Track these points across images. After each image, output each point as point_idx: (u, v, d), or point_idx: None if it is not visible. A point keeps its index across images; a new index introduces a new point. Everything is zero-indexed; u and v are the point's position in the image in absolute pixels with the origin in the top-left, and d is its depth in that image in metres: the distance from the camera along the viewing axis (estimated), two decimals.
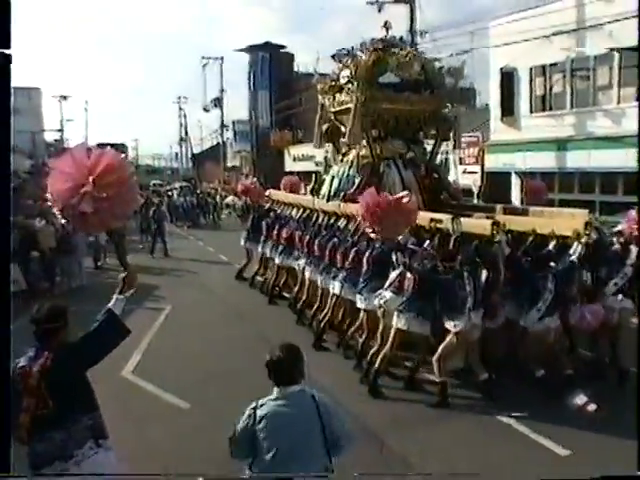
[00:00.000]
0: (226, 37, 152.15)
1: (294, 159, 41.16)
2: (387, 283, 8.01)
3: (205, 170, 56.89)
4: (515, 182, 21.79)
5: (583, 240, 7.70)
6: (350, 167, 12.08)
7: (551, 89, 19.89)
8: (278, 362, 3.64)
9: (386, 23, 12.51)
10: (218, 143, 54.93)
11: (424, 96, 11.90)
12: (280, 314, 12.28)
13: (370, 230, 8.30)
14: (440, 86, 11.92)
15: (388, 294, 7.95)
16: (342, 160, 12.66)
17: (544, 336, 7.76)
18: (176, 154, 74.21)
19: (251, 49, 46.07)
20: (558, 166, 19.32)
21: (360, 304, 8.67)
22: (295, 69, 45.89)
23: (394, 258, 8.02)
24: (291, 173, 41.67)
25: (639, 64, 12.45)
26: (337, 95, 12.47)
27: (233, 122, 52.25)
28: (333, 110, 12.77)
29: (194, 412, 7.46)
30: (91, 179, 3.69)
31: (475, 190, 21.85)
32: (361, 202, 8.34)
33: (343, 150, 12.87)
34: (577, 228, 7.80)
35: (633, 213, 8.77)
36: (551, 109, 19.98)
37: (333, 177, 12.46)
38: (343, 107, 12.19)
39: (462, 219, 8.29)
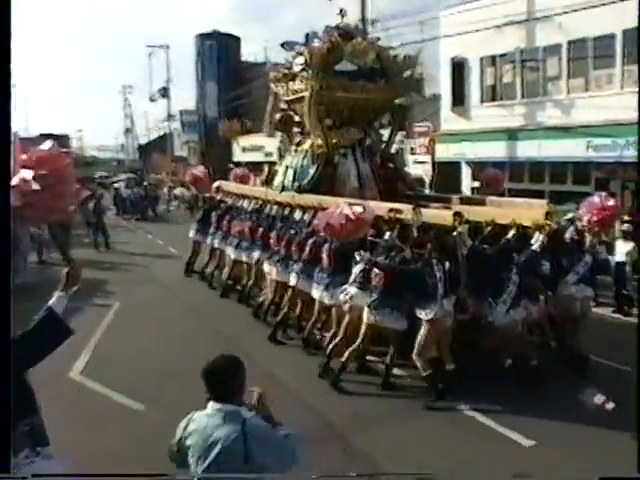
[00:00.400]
0: (173, 25, 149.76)
1: (243, 150, 40.61)
2: (351, 278, 7.84)
3: (152, 161, 55.89)
4: (465, 172, 21.92)
5: (544, 230, 7.65)
6: (304, 157, 11.86)
7: (501, 79, 19.98)
8: (213, 375, 3.24)
9: (341, 10, 12.30)
10: (165, 134, 53.93)
11: (379, 85, 11.77)
12: (234, 308, 11.98)
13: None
14: (395, 75, 11.79)
15: (353, 289, 7.80)
16: (296, 150, 12.42)
17: (512, 328, 7.68)
18: (122, 145, 72.82)
19: (199, 38, 45.21)
20: (508, 156, 19.42)
21: (326, 300, 8.48)
22: (244, 58, 45.32)
23: (356, 256, 7.85)
24: (240, 164, 41.29)
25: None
26: (290, 83, 12.20)
27: (180, 112, 51.39)
28: (286, 99, 12.49)
29: (149, 413, 7.12)
30: (20, 173, 3.46)
31: (427, 180, 21.89)
32: (319, 220, 8.25)
33: (297, 140, 12.63)
34: (537, 218, 7.76)
35: (594, 200, 8.77)
36: (501, 99, 20.06)
37: (287, 167, 12.22)
38: (297, 96, 11.93)
39: (422, 209, 8.16)
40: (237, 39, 45.59)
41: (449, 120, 22.04)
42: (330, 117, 11.77)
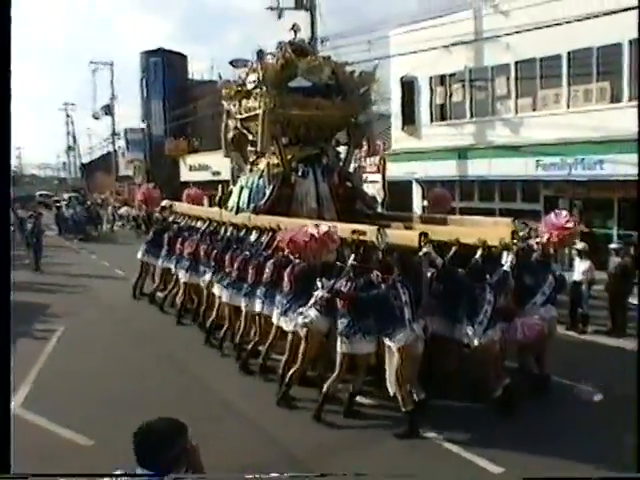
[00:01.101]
0: (118, 43, 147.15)
1: (190, 168, 40.04)
2: (312, 301, 7.52)
3: (96, 180, 54.63)
4: (416, 191, 21.98)
5: (512, 249, 7.51)
6: (260, 177, 11.52)
7: (451, 98, 20.14)
8: (141, 440, 2.70)
9: (294, 26, 12.09)
10: (109, 152, 52.86)
11: (336, 102, 11.54)
12: (187, 332, 11.51)
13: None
14: (352, 91, 11.60)
15: (313, 312, 7.47)
16: (251, 170, 12.08)
17: (489, 349, 7.44)
18: (64, 163, 71.01)
19: (144, 55, 44.51)
20: (459, 174, 19.54)
21: (286, 326, 8.09)
22: (190, 76, 44.80)
23: (318, 283, 7.55)
24: (187, 183, 40.60)
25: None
26: (244, 101, 11.87)
27: (125, 130, 50.32)
28: (239, 117, 12.14)
29: (97, 449, 6.61)
30: None
31: (379, 199, 21.80)
32: (282, 236, 7.97)
33: (251, 159, 12.29)
34: (504, 237, 7.61)
35: (551, 219, 8.70)
36: (451, 118, 20.22)
37: (242, 187, 11.85)
38: (251, 113, 11.60)
39: (387, 230, 7.92)
40: (183, 57, 45.09)
41: (400, 139, 22.09)
42: (286, 135, 11.49)
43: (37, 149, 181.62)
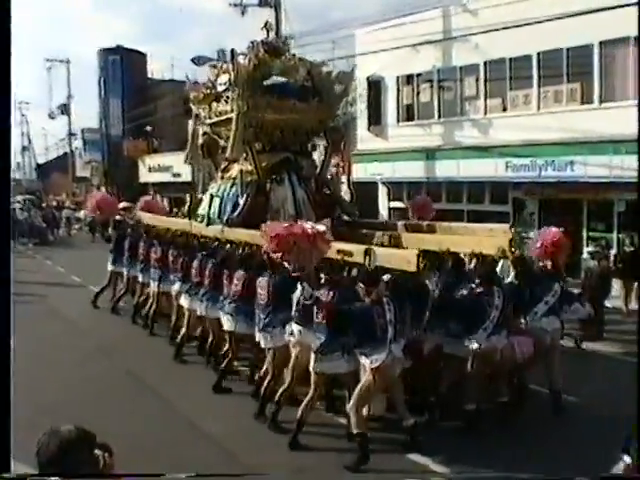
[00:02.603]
0: (74, 40, 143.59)
1: (149, 169, 39.11)
2: (293, 313, 6.96)
3: (51, 182, 53.10)
4: (382, 192, 21.63)
5: (512, 259, 7.11)
6: (232, 185, 10.90)
7: (418, 98, 19.82)
8: (43, 442, 2.55)
9: (267, 24, 11.56)
10: (66, 153, 51.42)
11: (312, 104, 11.01)
12: (153, 345, 10.88)
13: (278, 258, 7.19)
14: (329, 93, 11.08)
15: (296, 327, 6.91)
16: (222, 177, 11.42)
17: (490, 356, 6.98)
18: (18, 164, 68.77)
19: (102, 52, 43.28)
20: (426, 175, 19.24)
21: (265, 343, 7.50)
22: (149, 75, 43.75)
23: (298, 286, 6.91)
24: (146, 185, 39.73)
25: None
26: (214, 105, 11.28)
27: (82, 130, 48.99)
28: (210, 121, 11.52)
29: None
30: None
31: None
32: (269, 231, 7.14)
33: (222, 165, 11.60)
34: (501, 245, 7.17)
35: (550, 231, 8.31)
36: (419, 119, 19.92)
37: (212, 196, 11.16)
38: (222, 118, 11.01)
39: (376, 249, 7.33)
40: (143, 55, 43.95)
41: (365, 140, 21.68)
42: (259, 140, 10.86)
43: None
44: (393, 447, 6.70)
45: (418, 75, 19.67)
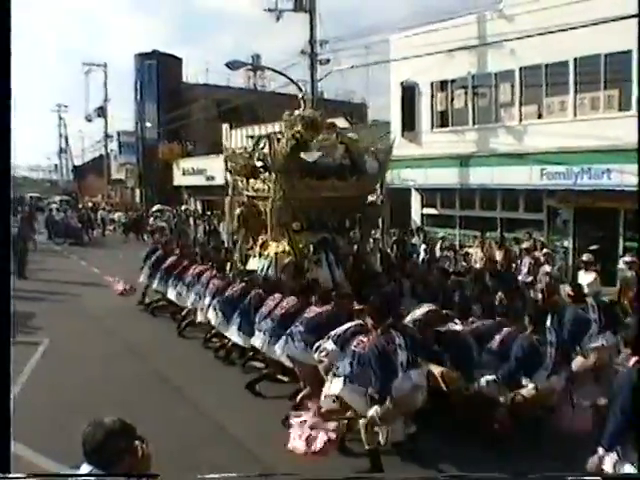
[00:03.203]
0: (111, 45, 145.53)
1: (183, 172, 39.55)
2: (334, 332, 6.83)
3: (87, 183, 53.98)
4: (415, 198, 21.50)
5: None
6: (269, 266, 10.65)
7: (452, 105, 19.66)
8: (88, 433, 2.94)
9: (303, 96, 11.41)
10: (101, 155, 52.24)
11: (350, 182, 10.81)
12: (186, 347, 10.94)
13: None
14: (367, 170, 10.94)
15: (330, 346, 6.75)
16: (260, 254, 11.18)
17: (547, 398, 6.67)
18: (55, 166, 70.18)
19: (138, 57, 43.95)
20: (460, 182, 19.07)
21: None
22: (184, 79, 44.26)
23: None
24: (180, 187, 40.13)
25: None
26: (252, 181, 11.22)
27: (118, 133, 49.82)
28: (247, 194, 11.46)
29: None
30: None
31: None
32: None
33: (260, 241, 11.40)
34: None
35: None
36: (453, 125, 19.75)
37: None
38: (259, 195, 10.96)
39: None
40: (178, 59, 44.53)
41: (399, 146, 21.48)
42: (297, 220, 10.71)
43: (28, 151, 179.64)
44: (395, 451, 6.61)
45: (452, 81, 19.53)
